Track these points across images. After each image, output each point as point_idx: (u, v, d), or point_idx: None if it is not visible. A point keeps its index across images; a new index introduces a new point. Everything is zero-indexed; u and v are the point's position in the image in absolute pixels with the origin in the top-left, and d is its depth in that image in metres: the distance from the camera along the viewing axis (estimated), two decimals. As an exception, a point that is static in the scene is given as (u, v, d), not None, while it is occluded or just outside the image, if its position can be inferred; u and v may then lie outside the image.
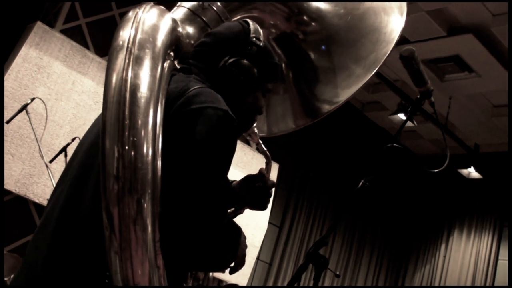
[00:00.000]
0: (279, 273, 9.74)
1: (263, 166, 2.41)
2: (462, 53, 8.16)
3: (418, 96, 2.22)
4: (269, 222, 8.66)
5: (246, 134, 2.35)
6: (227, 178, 2.11)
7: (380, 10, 2.58)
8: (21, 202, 6.18)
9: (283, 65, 2.66)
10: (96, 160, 1.76)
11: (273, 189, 2.28)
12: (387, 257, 11.62)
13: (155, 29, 1.89)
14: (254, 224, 8.11)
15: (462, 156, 9.87)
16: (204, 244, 1.72)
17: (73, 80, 6.47)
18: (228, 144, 1.80)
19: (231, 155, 1.81)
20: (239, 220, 2.19)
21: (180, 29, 2.15)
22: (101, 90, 1.78)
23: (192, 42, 2.19)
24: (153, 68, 1.78)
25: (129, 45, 1.79)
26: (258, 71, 2.03)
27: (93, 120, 2.11)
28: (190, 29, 2.24)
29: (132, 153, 1.62)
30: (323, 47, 2.63)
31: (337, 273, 10.42)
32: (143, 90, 1.71)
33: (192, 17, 2.29)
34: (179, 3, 2.35)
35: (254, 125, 2.26)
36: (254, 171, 2.25)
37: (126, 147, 1.62)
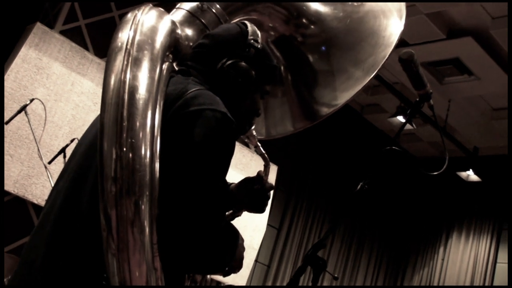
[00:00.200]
0: (278, 275, 9.74)
1: (262, 168, 2.41)
2: (461, 56, 8.16)
3: (417, 99, 2.22)
4: (268, 224, 8.65)
5: (244, 136, 2.35)
6: (225, 180, 2.11)
7: (379, 13, 2.59)
8: (20, 203, 6.17)
9: (282, 67, 2.66)
10: (94, 161, 1.76)
11: (271, 192, 2.27)
12: (385, 260, 11.62)
13: (153, 31, 1.89)
14: (252, 226, 8.10)
15: (461, 159, 9.87)
16: (202, 246, 1.71)
17: (72, 81, 6.47)
18: (227, 146, 1.80)
19: (230, 157, 1.81)
20: (237, 222, 2.19)
21: (179, 31, 2.15)
22: (100, 91, 1.78)
23: (191, 44, 2.19)
24: (152, 70, 1.78)
25: (128, 47, 1.79)
26: (256, 73, 2.03)
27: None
28: (189, 31, 2.24)
29: (130, 154, 1.62)
30: (322, 50, 2.63)
31: (335, 275, 10.43)
32: (142, 92, 1.71)
33: (191, 19, 2.29)
34: (178, 5, 2.35)
35: (252, 127, 2.26)
36: (253, 173, 2.24)
37: (124, 149, 1.62)
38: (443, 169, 2.21)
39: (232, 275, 1.96)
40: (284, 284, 9.72)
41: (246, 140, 2.41)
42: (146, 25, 1.88)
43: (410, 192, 11.68)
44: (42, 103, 5.30)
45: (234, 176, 2.34)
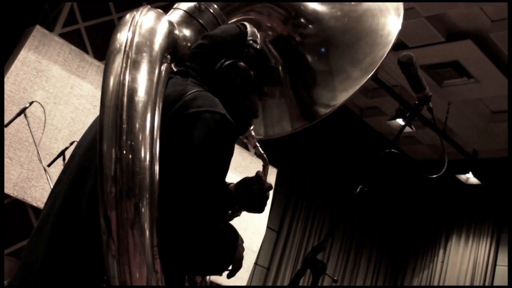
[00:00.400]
0: (277, 278, 9.73)
1: (261, 169, 2.41)
2: (460, 59, 8.17)
3: (416, 102, 2.22)
4: (267, 227, 8.64)
5: (243, 137, 2.35)
6: (224, 181, 2.11)
7: (377, 12, 2.58)
8: (19, 206, 6.17)
9: (280, 67, 2.66)
10: (93, 163, 1.76)
11: (270, 192, 2.27)
12: (385, 262, 11.61)
13: (152, 32, 1.89)
14: (252, 229, 8.10)
15: (461, 161, 9.86)
16: (202, 248, 1.71)
17: (71, 84, 6.47)
18: (226, 148, 1.80)
19: (229, 159, 1.81)
20: (237, 224, 2.19)
21: (177, 31, 2.15)
22: (99, 94, 1.77)
23: (189, 44, 2.19)
24: (151, 72, 1.78)
25: (127, 49, 1.79)
26: (255, 74, 2.03)
27: (91, 124, 2.11)
28: (186, 32, 2.24)
29: (130, 157, 1.61)
30: (320, 49, 2.63)
31: (335, 278, 10.42)
32: (141, 94, 1.71)
33: (188, 19, 2.29)
34: (175, 5, 2.35)
35: (251, 128, 2.26)
36: (253, 175, 2.24)
37: (124, 151, 1.62)
38: (442, 172, 2.21)
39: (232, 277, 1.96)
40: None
41: (244, 141, 2.41)
42: (145, 27, 1.88)
43: (410, 194, 11.67)
44: (42, 106, 5.31)
45: (233, 178, 2.33)
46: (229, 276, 1.95)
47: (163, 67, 1.90)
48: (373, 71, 2.43)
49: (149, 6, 2.02)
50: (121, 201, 1.58)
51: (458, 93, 8.99)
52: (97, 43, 6.88)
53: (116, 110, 1.66)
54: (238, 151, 7.88)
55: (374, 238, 11.37)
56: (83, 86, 6.56)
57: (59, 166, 4.98)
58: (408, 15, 7.24)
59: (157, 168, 1.67)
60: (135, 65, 1.76)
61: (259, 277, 9.64)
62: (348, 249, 10.93)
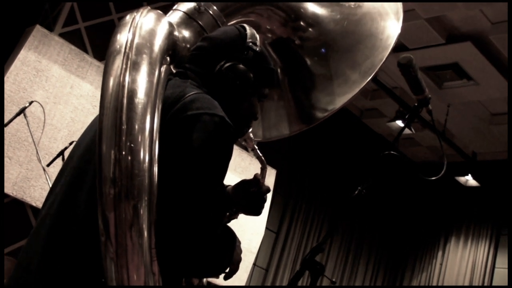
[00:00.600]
0: (276, 279, 9.73)
1: (260, 171, 2.41)
2: (460, 61, 8.17)
3: (416, 104, 2.22)
4: (266, 228, 8.64)
5: (242, 139, 2.35)
6: (223, 184, 2.11)
7: (376, 15, 2.58)
8: (18, 206, 6.16)
9: (279, 70, 2.65)
10: (91, 164, 1.76)
11: (268, 195, 2.27)
12: (384, 264, 11.61)
13: (152, 34, 1.89)
14: (251, 230, 8.09)
15: (460, 163, 9.87)
16: (199, 250, 1.71)
17: (71, 84, 6.47)
18: (225, 150, 1.80)
19: (228, 161, 1.81)
20: (236, 225, 2.19)
21: (176, 33, 2.14)
22: (99, 94, 1.77)
23: (188, 46, 2.18)
24: (150, 73, 1.78)
25: (126, 50, 1.79)
26: (254, 76, 2.03)
27: (90, 124, 2.10)
28: (186, 33, 2.24)
29: (129, 158, 1.61)
30: (319, 52, 2.63)
31: (333, 279, 10.42)
32: (140, 96, 1.70)
33: (188, 21, 2.28)
34: (175, 7, 2.35)
35: (250, 130, 2.26)
36: (252, 176, 2.24)
37: (123, 153, 1.61)
38: (441, 174, 2.21)
39: (230, 278, 1.96)
40: (282, 288, 9.72)
41: (243, 143, 2.40)
42: (145, 28, 1.88)
43: (409, 196, 11.67)
44: (41, 106, 5.30)
45: (233, 179, 2.33)
46: (226, 278, 1.95)
47: (163, 69, 1.90)
48: (372, 75, 2.43)
49: (149, 7, 2.02)
50: (120, 202, 1.58)
51: (458, 95, 8.99)
52: (97, 43, 6.88)
53: (115, 112, 1.66)
54: (237, 152, 7.87)
55: (373, 240, 11.37)
56: (82, 86, 6.56)
57: (58, 166, 4.97)
58: (408, 17, 7.24)
59: (156, 170, 1.66)
60: (135, 66, 1.76)
61: (258, 278, 9.64)
62: (346, 250, 10.93)
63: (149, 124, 1.68)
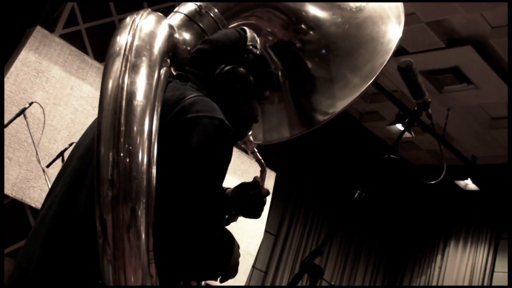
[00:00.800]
0: (275, 282, 9.72)
1: (259, 174, 2.40)
2: (460, 65, 8.17)
3: (416, 108, 2.22)
4: (265, 231, 8.64)
5: (241, 142, 2.35)
6: (221, 187, 2.10)
7: (378, 19, 2.58)
8: (18, 206, 6.16)
9: (280, 73, 2.65)
10: (90, 166, 1.75)
11: (267, 197, 2.27)
12: (383, 268, 11.60)
13: (152, 36, 1.89)
14: (250, 232, 8.09)
15: (459, 167, 9.86)
16: (197, 253, 1.71)
17: (71, 85, 6.47)
18: (224, 153, 1.80)
19: (227, 164, 1.81)
20: (235, 228, 2.19)
21: (177, 35, 2.14)
22: (99, 96, 1.77)
23: (189, 48, 2.18)
24: (150, 76, 1.78)
25: (126, 52, 1.78)
26: (254, 79, 2.03)
27: (90, 125, 2.10)
28: (186, 35, 2.23)
29: (127, 160, 1.61)
30: (320, 56, 2.63)
31: (332, 283, 10.42)
32: (139, 98, 1.70)
33: (189, 23, 2.28)
34: (176, 9, 2.35)
35: (250, 133, 2.26)
36: (251, 179, 2.24)
37: (121, 154, 1.61)
38: (440, 178, 2.21)
39: (229, 281, 1.96)
40: (281, 291, 9.72)
41: (243, 146, 2.40)
42: (145, 30, 1.88)
43: (408, 200, 11.66)
44: (41, 107, 5.30)
45: (232, 182, 2.33)
46: (222, 280, 1.95)
47: (163, 71, 1.89)
48: (373, 79, 2.42)
49: (149, 10, 2.02)
50: (118, 204, 1.58)
51: (458, 99, 9.00)
52: (97, 44, 6.88)
53: (114, 114, 1.66)
54: (237, 154, 7.87)
55: (372, 243, 11.36)
56: (83, 88, 6.56)
57: (57, 167, 4.97)
58: (408, 20, 7.25)
59: (154, 172, 1.66)
60: (134, 68, 1.75)
61: (257, 281, 9.64)
62: (346, 254, 10.92)
63: (148, 127, 1.68)
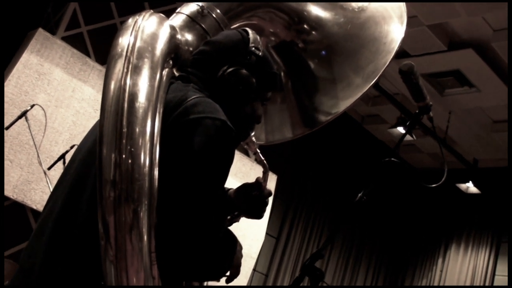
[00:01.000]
0: (275, 285, 9.71)
1: (261, 175, 2.40)
2: (462, 68, 8.17)
3: (417, 111, 2.22)
4: (266, 233, 8.63)
5: (244, 143, 2.35)
6: (224, 188, 2.10)
7: (380, 19, 2.58)
8: (19, 209, 6.16)
9: (282, 73, 2.65)
10: (92, 168, 1.75)
11: (270, 198, 2.27)
12: (384, 271, 11.60)
13: (154, 37, 1.89)
14: (251, 235, 8.09)
15: (461, 170, 9.86)
16: (200, 254, 1.71)
17: (73, 88, 6.47)
18: (226, 154, 1.79)
19: (229, 165, 1.81)
20: (236, 230, 2.19)
21: (179, 36, 2.14)
22: (101, 98, 1.77)
23: (191, 49, 2.18)
24: (152, 77, 1.77)
25: (128, 54, 1.78)
26: (256, 81, 2.03)
27: (92, 128, 2.10)
28: (189, 36, 2.23)
29: (129, 162, 1.61)
30: (322, 56, 2.62)
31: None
32: (141, 100, 1.70)
33: (191, 24, 2.28)
34: (178, 10, 2.35)
35: (252, 134, 2.25)
36: (253, 181, 2.24)
37: (124, 156, 1.61)
38: (442, 181, 2.21)
39: (230, 283, 1.96)
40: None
41: (245, 147, 2.40)
42: (147, 32, 1.88)
43: (410, 203, 11.66)
44: (43, 109, 5.31)
45: (233, 184, 2.33)
46: (227, 281, 1.95)
47: (165, 72, 1.89)
48: (375, 79, 2.42)
49: (151, 11, 2.02)
50: (120, 206, 1.58)
51: (459, 102, 8.99)
52: (99, 47, 6.89)
53: (116, 115, 1.65)
54: (238, 157, 7.88)
55: (373, 246, 11.36)
56: (84, 90, 6.57)
57: (59, 169, 4.98)
58: (410, 23, 7.24)
59: (156, 173, 1.66)
60: (136, 70, 1.75)
61: (257, 284, 9.63)
62: (347, 256, 10.92)
63: (150, 128, 1.68)
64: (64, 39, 6.54)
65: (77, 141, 4.17)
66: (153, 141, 1.68)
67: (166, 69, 1.92)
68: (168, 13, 2.25)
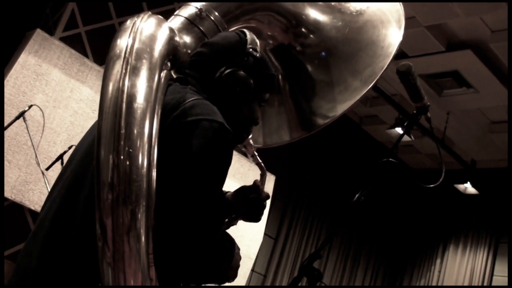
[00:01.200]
0: (274, 285, 9.71)
1: (259, 177, 2.40)
2: (460, 69, 8.17)
3: (415, 112, 2.22)
4: (265, 234, 8.64)
5: (241, 145, 2.35)
6: (221, 190, 2.10)
7: (378, 23, 2.58)
8: (17, 209, 6.16)
9: (280, 76, 2.65)
10: (90, 169, 1.75)
11: (268, 201, 2.27)
12: (382, 271, 11.60)
13: (152, 39, 1.89)
14: (249, 236, 8.08)
15: (459, 171, 9.86)
16: (198, 256, 1.71)
17: (71, 88, 6.47)
18: (224, 156, 1.80)
19: (227, 167, 1.81)
20: (234, 231, 2.19)
21: (177, 38, 2.14)
22: (99, 99, 1.77)
23: (189, 51, 2.18)
24: (150, 78, 1.77)
25: (126, 55, 1.78)
26: (254, 82, 2.03)
27: (90, 128, 2.10)
28: (187, 39, 2.23)
29: (127, 163, 1.61)
30: (320, 59, 2.63)
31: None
32: (140, 101, 1.70)
33: (189, 26, 2.28)
34: (176, 12, 2.35)
35: (250, 136, 2.26)
36: (251, 182, 2.23)
37: (122, 157, 1.61)
38: (439, 182, 2.21)
39: (228, 284, 1.96)
40: (280, 294, 9.72)
41: (243, 149, 2.40)
42: (145, 33, 1.88)
43: (408, 204, 11.66)
44: (41, 110, 5.30)
45: (232, 185, 2.33)
46: (224, 283, 1.95)
47: (163, 74, 1.89)
48: (373, 83, 2.42)
49: (150, 13, 2.02)
50: (117, 207, 1.57)
51: (458, 103, 9.00)
52: (97, 47, 6.88)
53: (114, 117, 1.65)
54: (236, 158, 7.87)
55: (372, 246, 11.36)
56: (82, 90, 6.56)
57: (57, 170, 4.96)
58: (408, 24, 7.25)
59: (154, 175, 1.66)
60: (135, 71, 1.75)
61: (256, 284, 9.63)
62: (345, 257, 10.92)
63: (148, 129, 1.68)
64: (62, 39, 6.53)
65: (75, 141, 4.16)
66: (151, 143, 1.68)
67: (164, 71, 1.92)
68: (166, 14, 2.25)
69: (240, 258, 1.95)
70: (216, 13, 2.35)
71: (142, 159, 1.63)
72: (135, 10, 6.74)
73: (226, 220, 2.28)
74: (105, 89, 1.73)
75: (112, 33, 1.93)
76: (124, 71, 1.74)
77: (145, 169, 1.63)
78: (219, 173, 1.79)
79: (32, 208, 6.11)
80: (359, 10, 2.63)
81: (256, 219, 2.22)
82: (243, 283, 8.16)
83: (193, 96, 1.87)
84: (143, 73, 1.77)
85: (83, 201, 1.76)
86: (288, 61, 2.67)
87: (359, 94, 2.45)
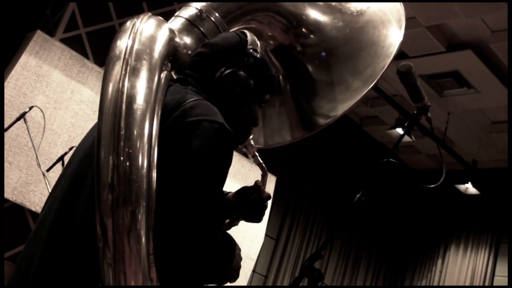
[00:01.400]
0: (275, 286, 9.71)
1: (260, 178, 2.40)
2: (461, 69, 8.18)
3: (415, 112, 2.22)
4: (266, 235, 8.63)
5: (242, 146, 2.34)
6: (222, 190, 2.10)
7: (378, 23, 2.58)
8: (18, 210, 6.16)
9: (281, 77, 2.65)
10: (90, 170, 1.75)
11: (269, 201, 2.26)
12: (383, 272, 11.60)
13: (152, 40, 1.89)
14: (250, 236, 8.09)
15: (460, 171, 9.86)
16: (199, 256, 1.71)
17: (72, 89, 6.47)
18: (224, 157, 1.80)
19: (227, 168, 1.81)
20: (235, 232, 2.19)
21: (177, 39, 2.14)
22: (99, 100, 1.77)
23: (190, 52, 2.18)
24: (150, 79, 1.77)
25: (126, 56, 1.78)
26: (254, 83, 2.03)
27: (90, 129, 2.10)
28: (187, 40, 2.23)
29: (127, 164, 1.61)
30: (321, 59, 2.63)
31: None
32: (139, 101, 1.70)
33: (189, 27, 2.28)
34: (176, 13, 2.35)
35: (250, 137, 2.25)
36: (252, 183, 2.23)
37: (121, 158, 1.61)
38: (440, 182, 2.21)
39: (230, 284, 1.96)
40: (282, 295, 9.72)
41: (244, 150, 2.40)
42: (145, 34, 1.88)
43: (409, 204, 11.66)
44: (42, 111, 5.30)
45: (232, 186, 2.33)
46: (225, 283, 1.95)
47: (163, 75, 1.89)
48: (374, 83, 2.42)
49: (150, 14, 2.02)
50: (118, 208, 1.57)
51: (458, 103, 9.00)
52: (98, 48, 6.89)
53: (114, 117, 1.65)
54: (237, 158, 7.87)
55: (373, 247, 11.36)
56: (83, 92, 6.56)
57: (58, 171, 4.97)
58: (409, 24, 7.25)
59: (154, 175, 1.66)
60: (135, 72, 1.75)
61: (257, 285, 9.63)
62: (346, 258, 10.92)
63: (148, 130, 1.68)
64: (63, 41, 6.54)
65: (76, 143, 4.16)
66: (151, 143, 1.68)
67: (165, 72, 1.92)
68: (167, 15, 2.25)
69: (241, 258, 1.95)
70: (217, 14, 2.35)
71: (142, 160, 1.63)
72: (136, 11, 6.74)
73: (228, 220, 2.28)
74: (105, 90, 1.73)
75: (113, 34, 1.93)
76: (124, 72, 1.74)
77: (145, 170, 1.63)
78: (220, 174, 1.78)
79: (33, 209, 6.11)
80: (360, 10, 2.63)
81: (257, 219, 2.22)
82: (244, 283, 8.17)
83: (193, 97, 1.87)
84: (143, 74, 1.77)
85: (84, 202, 1.76)
86: (288, 62, 2.67)
87: (360, 94, 2.45)
